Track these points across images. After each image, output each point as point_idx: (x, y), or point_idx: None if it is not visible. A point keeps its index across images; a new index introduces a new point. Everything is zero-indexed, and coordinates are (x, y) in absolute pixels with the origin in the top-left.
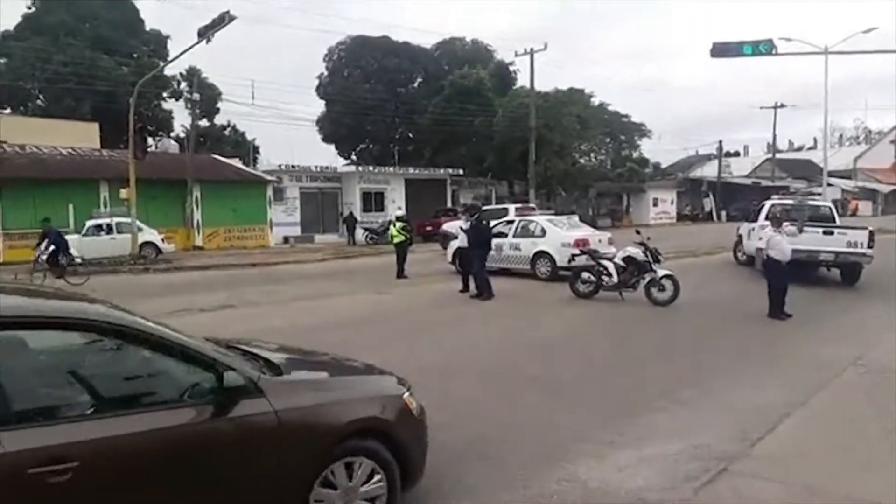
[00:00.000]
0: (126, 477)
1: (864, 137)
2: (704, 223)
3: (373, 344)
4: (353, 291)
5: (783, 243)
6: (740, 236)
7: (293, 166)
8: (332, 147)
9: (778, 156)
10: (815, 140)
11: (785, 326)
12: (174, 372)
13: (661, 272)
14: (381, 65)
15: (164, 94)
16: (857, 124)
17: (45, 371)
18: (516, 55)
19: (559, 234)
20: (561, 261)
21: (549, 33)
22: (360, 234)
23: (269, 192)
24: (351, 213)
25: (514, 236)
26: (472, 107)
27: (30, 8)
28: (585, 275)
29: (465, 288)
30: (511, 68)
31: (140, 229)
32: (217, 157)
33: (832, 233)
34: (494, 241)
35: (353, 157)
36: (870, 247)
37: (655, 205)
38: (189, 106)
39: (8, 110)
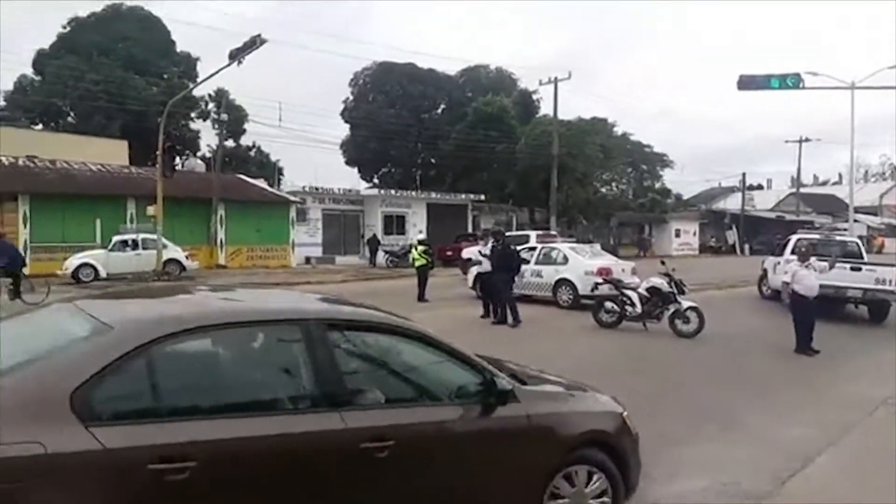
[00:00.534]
0: (420, 459)
1: (890, 174)
2: (728, 256)
3: None
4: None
5: (810, 278)
6: (765, 270)
7: (316, 188)
8: (355, 170)
9: (802, 190)
10: (839, 175)
11: (812, 362)
12: (448, 373)
13: (685, 303)
14: (406, 91)
15: (193, 115)
16: (882, 160)
17: (359, 364)
18: (540, 84)
19: (582, 262)
20: (583, 289)
21: (572, 62)
22: (381, 257)
23: (293, 213)
24: (374, 236)
25: (536, 263)
26: (495, 134)
27: (65, 28)
28: (609, 304)
29: (487, 313)
30: (534, 97)
31: (165, 246)
32: (242, 177)
33: (860, 269)
34: None
35: (376, 181)
36: None
37: (678, 236)
38: (216, 126)
39: (40, 126)
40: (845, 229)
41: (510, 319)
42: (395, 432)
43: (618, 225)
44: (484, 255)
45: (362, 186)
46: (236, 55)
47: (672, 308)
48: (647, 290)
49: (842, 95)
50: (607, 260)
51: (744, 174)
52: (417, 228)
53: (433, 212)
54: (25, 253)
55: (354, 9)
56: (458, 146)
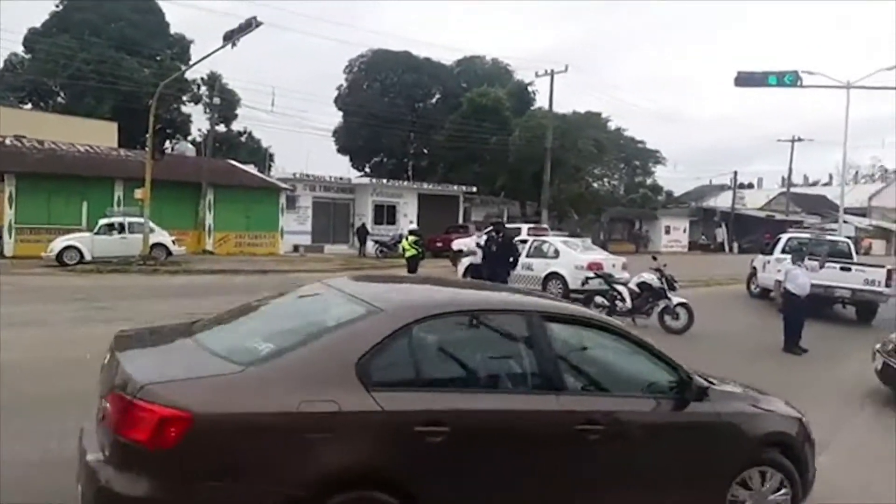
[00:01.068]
0: (624, 445)
1: (879, 176)
2: (716, 254)
3: None
4: None
5: (802, 277)
6: (755, 268)
7: (307, 175)
8: (346, 159)
9: (793, 190)
10: (830, 176)
11: (801, 361)
12: (644, 367)
13: (675, 300)
14: (401, 79)
15: (185, 98)
16: (873, 162)
17: (569, 353)
18: (536, 76)
19: (573, 256)
20: (573, 283)
21: (568, 56)
22: (370, 247)
23: (283, 200)
24: (363, 225)
25: (526, 256)
26: (489, 125)
27: (58, 6)
28: (599, 299)
29: None
30: (530, 89)
31: (152, 230)
32: (233, 162)
33: (850, 269)
34: None
35: (367, 170)
36: (888, 285)
37: (668, 232)
38: (208, 110)
39: (29, 105)
40: (834, 230)
41: None
42: (604, 418)
43: (609, 220)
44: (479, 246)
45: (353, 175)
46: (231, 37)
47: (662, 304)
48: (638, 285)
49: (836, 97)
50: (598, 254)
51: (735, 172)
52: (408, 219)
53: (424, 202)
54: (10, 234)
55: None
56: (451, 137)
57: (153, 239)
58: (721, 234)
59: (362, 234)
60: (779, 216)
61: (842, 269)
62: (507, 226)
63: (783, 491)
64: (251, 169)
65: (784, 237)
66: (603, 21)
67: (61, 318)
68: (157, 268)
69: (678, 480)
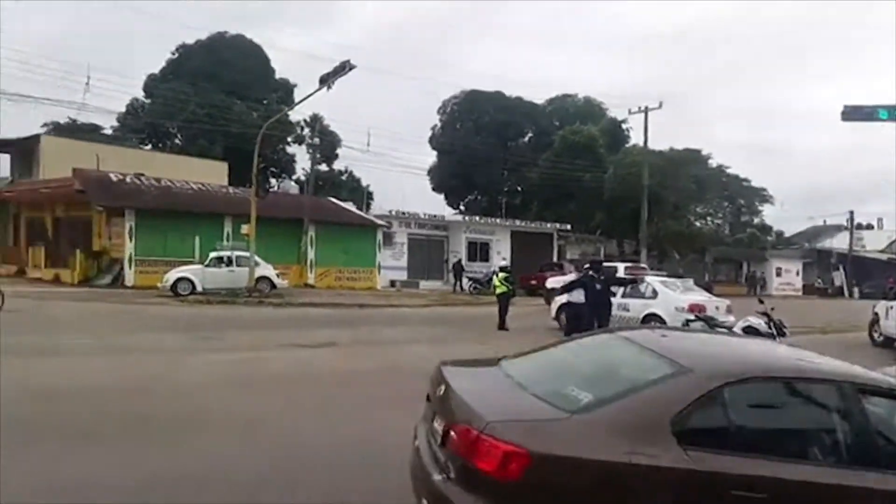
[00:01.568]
0: None
1: None
2: (835, 299)
3: None
4: (452, 339)
5: None
6: (877, 314)
7: (403, 213)
8: (441, 196)
9: None
10: None
11: None
12: None
13: None
14: (493, 118)
15: (289, 139)
16: None
17: (882, 428)
18: (630, 113)
19: (672, 296)
20: (672, 325)
21: (663, 92)
22: (465, 283)
23: (379, 237)
24: (459, 261)
25: (623, 296)
26: (583, 163)
27: (174, 54)
28: None
29: None
30: (623, 126)
31: (257, 264)
32: (333, 199)
33: None
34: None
35: (461, 208)
36: None
37: (779, 275)
38: (310, 150)
39: (149, 146)
40: None
41: None
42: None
43: (713, 261)
44: (583, 286)
45: (448, 213)
46: (326, 80)
47: None
48: (744, 329)
49: None
50: (700, 296)
51: (851, 212)
52: (501, 256)
53: (517, 240)
54: (131, 266)
55: (445, 37)
56: (544, 175)
57: (258, 272)
58: (839, 277)
59: (458, 270)
60: None
61: None
62: (605, 264)
63: None
64: (350, 206)
65: None
66: (699, 56)
67: (169, 347)
68: (262, 300)
69: None
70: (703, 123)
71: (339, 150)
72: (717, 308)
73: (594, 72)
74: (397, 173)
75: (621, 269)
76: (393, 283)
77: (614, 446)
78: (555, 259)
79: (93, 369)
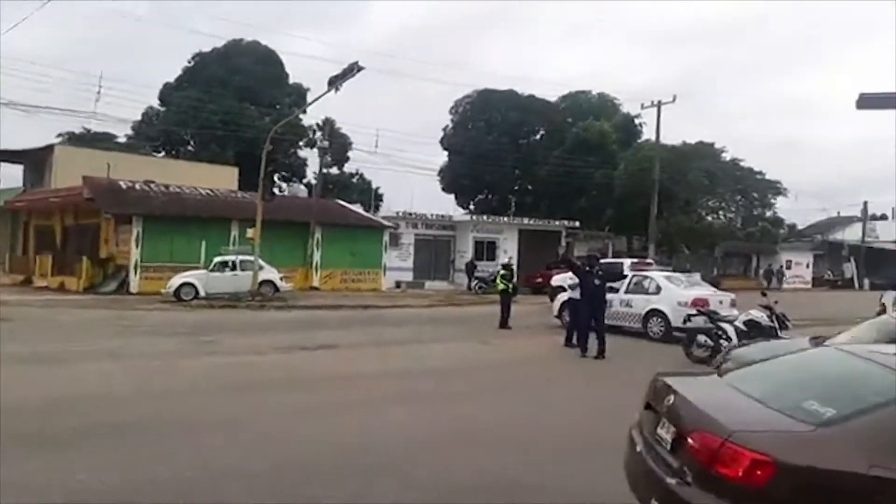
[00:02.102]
0: None
1: None
2: (845, 290)
3: (460, 394)
4: (453, 339)
5: None
6: (883, 305)
7: (410, 213)
8: (451, 197)
9: None
10: None
11: None
12: None
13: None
14: (505, 117)
15: (301, 143)
16: None
17: None
18: (642, 107)
19: (675, 291)
20: (676, 321)
21: (677, 86)
22: (472, 283)
23: (386, 238)
24: (472, 260)
25: (626, 292)
26: (594, 159)
27: (190, 62)
28: (702, 338)
29: (570, 342)
30: (637, 121)
31: (261, 267)
32: (340, 202)
33: None
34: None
35: (472, 207)
36: None
37: (789, 268)
38: (320, 154)
39: (162, 153)
40: None
41: (594, 350)
42: None
43: (723, 255)
44: (581, 278)
45: (459, 213)
46: (334, 82)
47: None
48: (745, 323)
49: None
50: (704, 290)
51: (865, 203)
52: (508, 255)
53: (525, 238)
54: (136, 272)
55: (458, 38)
56: (555, 172)
57: (262, 276)
58: (850, 269)
59: (470, 269)
60: None
61: None
62: (610, 260)
63: None
64: (357, 208)
65: None
66: (713, 48)
67: (164, 351)
68: (265, 304)
69: None
70: (719, 117)
71: (349, 153)
72: (720, 302)
73: (609, 69)
74: (408, 175)
75: (627, 264)
76: (398, 285)
77: (858, 460)
78: (571, 258)
79: (75, 376)
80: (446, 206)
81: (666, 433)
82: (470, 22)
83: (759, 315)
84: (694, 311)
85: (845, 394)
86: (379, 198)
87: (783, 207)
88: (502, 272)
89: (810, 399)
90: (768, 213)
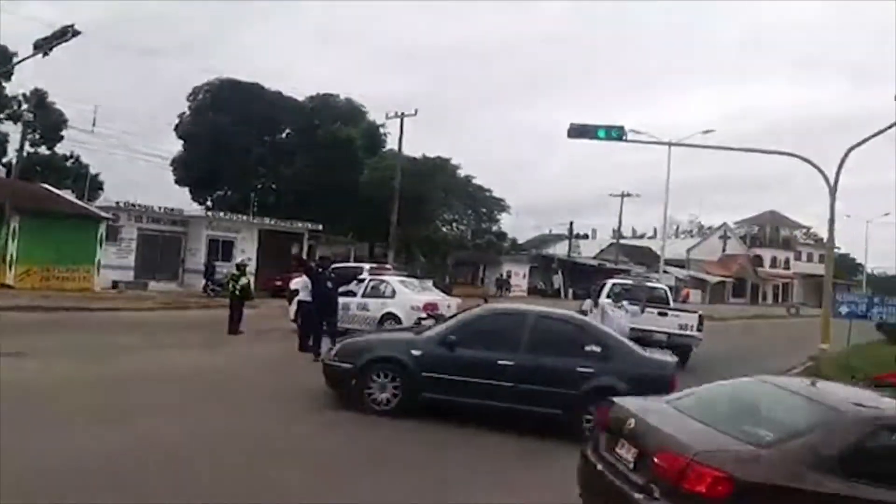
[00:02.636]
0: None
1: (697, 231)
2: (553, 299)
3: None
4: (175, 345)
5: (620, 319)
6: (584, 312)
7: (133, 204)
8: (186, 190)
9: (622, 241)
10: (654, 230)
11: None
12: None
13: None
14: (249, 110)
15: (1, 116)
16: (691, 218)
17: None
18: (387, 117)
19: (409, 296)
20: (408, 323)
21: (421, 102)
22: (201, 284)
23: (102, 231)
24: (209, 260)
25: (363, 296)
26: (340, 164)
27: None
28: None
29: (304, 347)
30: (382, 130)
31: None
32: (46, 186)
33: (666, 314)
34: (342, 301)
35: (209, 203)
36: (699, 329)
37: (509, 277)
38: (23, 128)
39: None
40: (657, 278)
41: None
42: None
43: (454, 263)
44: (313, 280)
45: (195, 208)
46: (42, 45)
47: None
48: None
49: (662, 157)
50: (435, 295)
51: (571, 223)
52: (246, 255)
53: (266, 239)
54: None
55: (202, 23)
56: (300, 173)
57: None
58: (558, 280)
59: (211, 269)
60: (610, 265)
61: (659, 313)
62: (352, 265)
63: None
64: (68, 195)
65: (609, 283)
66: (456, 69)
67: None
68: None
69: None
70: (456, 135)
71: (64, 132)
72: (448, 307)
73: (358, 77)
74: (134, 162)
75: (367, 269)
76: (115, 285)
77: (798, 476)
78: (304, 259)
79: None
80: (181, 200)
81: (627, 453)
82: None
83: None
84: (424, 315)
85: (779, 419)
86: (99, 186)
87: (506, 223)
88: (233, 273)
89: (750, 423)
90: (494, 228)
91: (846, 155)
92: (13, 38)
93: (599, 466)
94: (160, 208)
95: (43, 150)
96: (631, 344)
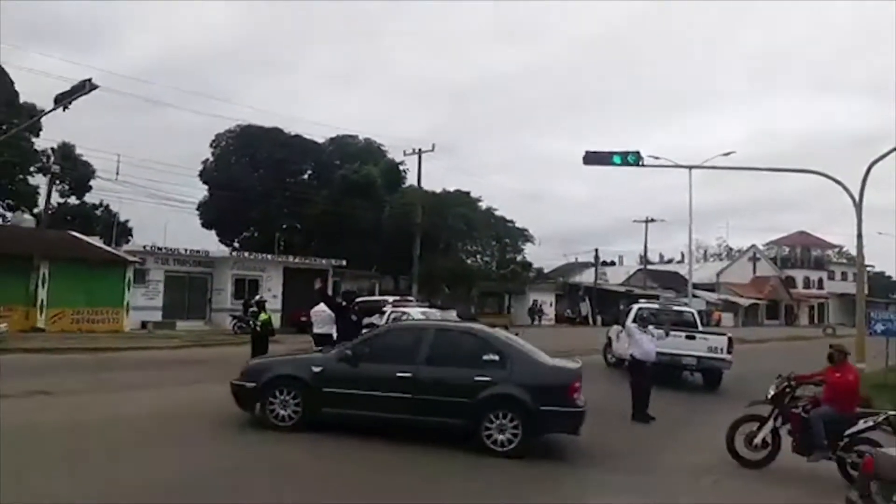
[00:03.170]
0: None
1: (726, 254)
2: (582, 326)
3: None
4: (197, 381)
5: (646, 343)
6: (610, 339)
7: (159, 248)
8: (212, 233)
9: (649, 267)
10: (682, 254)
11: (646, 431)
12: None
13: None
14: (271, 155)
15: (31, 169)
16: (719, 242)
17: None
18: (405, 154)
19: None
20: None
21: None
22: (228, 321)
23: (130, 274)
24: (247, 298)
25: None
26: (362, 201)
27: None
28: None
29: None
30: (402, 167)
31: None
32: (75, 233)
33: (694, 337)
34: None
35: (236, 244)
36: (729, 352)
37: (541, 306)
38: (50, 180)
39: None
40: (686, 302)
41: None
42: None
43: (479, 294)
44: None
45: (222, 249)
46: (62, 99)
47: None
48: None
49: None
50: None
51: (597, 250)
52: (272, 293)
53: (291, 276)
54: None
55: (220, 73)
56: (323, 212)
57: None
58: (585, 307)
59: (247, 307)
60: (637, 290)
61: (687, 337)
62: (376, 298)
63: None
64: (96, 241)
65: (634, 307)
66: (475, 108)
67: None
68: None
69: None
70: (475, 169)
71: (92, 182)
72: None
73: (377, 117)
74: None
75: (391, 301)
76: (144, 325)
77: None
78: (328, 293)
79: None
80: (207, 242)
81: None
82: (231, 57)
83: None
84: None
85: None
86: (128, 231)
87: (531, 252)
88: (252, 310)
89: None
90: (519, 258)
91: (869, 169)
92: (46, 97)
93: None
94: (186, 250)
95: (73, 199)
96: (533, 353)
